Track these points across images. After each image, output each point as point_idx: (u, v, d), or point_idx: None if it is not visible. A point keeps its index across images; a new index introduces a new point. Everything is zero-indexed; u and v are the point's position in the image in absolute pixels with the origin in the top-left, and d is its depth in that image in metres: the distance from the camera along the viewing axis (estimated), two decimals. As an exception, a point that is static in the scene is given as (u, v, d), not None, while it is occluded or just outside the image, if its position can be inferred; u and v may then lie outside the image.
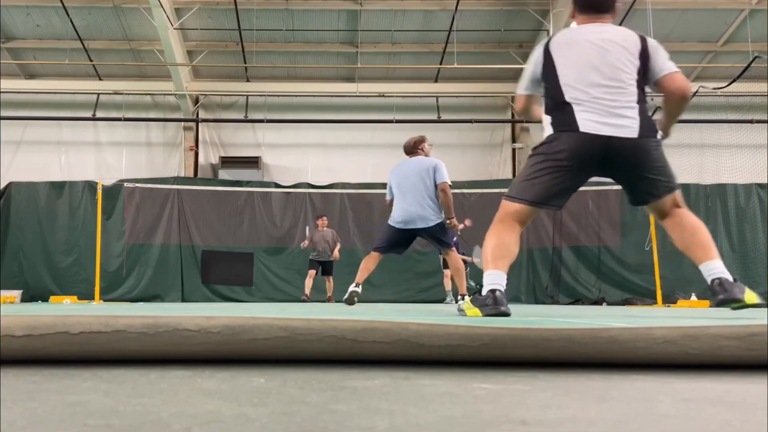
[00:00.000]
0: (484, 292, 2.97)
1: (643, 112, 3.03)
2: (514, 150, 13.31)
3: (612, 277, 12.11)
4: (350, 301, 5.85)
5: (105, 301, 10.37)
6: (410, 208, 5.90)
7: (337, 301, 10.71)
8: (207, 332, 0.87)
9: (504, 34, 12.27)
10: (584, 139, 2.88)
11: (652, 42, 3.21)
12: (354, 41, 12.39)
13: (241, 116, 13.08)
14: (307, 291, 10.79)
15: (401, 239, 6.01)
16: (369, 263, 6.07)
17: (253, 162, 12.82)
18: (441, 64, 12.51)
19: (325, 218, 11.09)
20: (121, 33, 12.02)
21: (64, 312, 2.90)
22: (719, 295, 2.90)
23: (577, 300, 11.95)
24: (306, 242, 10.91)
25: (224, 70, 13.02)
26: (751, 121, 12.21)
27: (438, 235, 5.88)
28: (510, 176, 13.15)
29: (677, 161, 12.53)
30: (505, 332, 0.88)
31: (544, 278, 12.28)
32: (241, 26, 11.76)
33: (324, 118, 13.02)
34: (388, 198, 6.32)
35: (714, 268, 3.01)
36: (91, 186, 11.98)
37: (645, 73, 3.10)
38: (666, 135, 3.34)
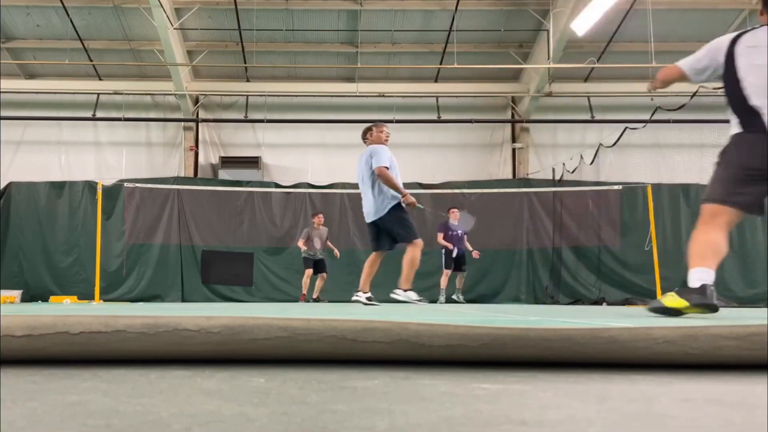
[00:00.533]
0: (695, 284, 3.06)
1: None
2: (514, 150, 13.30)
3: (612, 277, 12.11)
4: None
5: (105, 301, 10.38)
6: (364, 201, 5.89)
7: (329, 301, 10.70)
8: (207, 332, 0.87)
9: (504, 34, 12.26)
10: None
11: None
12: (354, 41, 12.39)
13: (241, 116, 13.08)
14: (305, 290, 10.78)
15: (377, 232, 5.93)
16: (371, 265, 6.10)
17: (253, 162, 12.81)
18: (441, 64, 12.51)
19: (321, 216, 11.04)
20: (121, 33, 12.02)
21: (64, 312, 2.90)
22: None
23: (577, 300, 11.95)
24: (302, 241, 10.84)
25: (224, 70, 13.01)
26: (751, 121, 12.20)
27: (390, 227, 5.68)
28: (510, 176, 13.14)
29: (677, 161, 12.56)
30: (505, 332, 0.88)
31: (544, 278, 12.28)
32: (241, 26, 11.75)
33: (324, 118, 13.01)
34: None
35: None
36: (91, 186, 11.97)
37: None
38: None
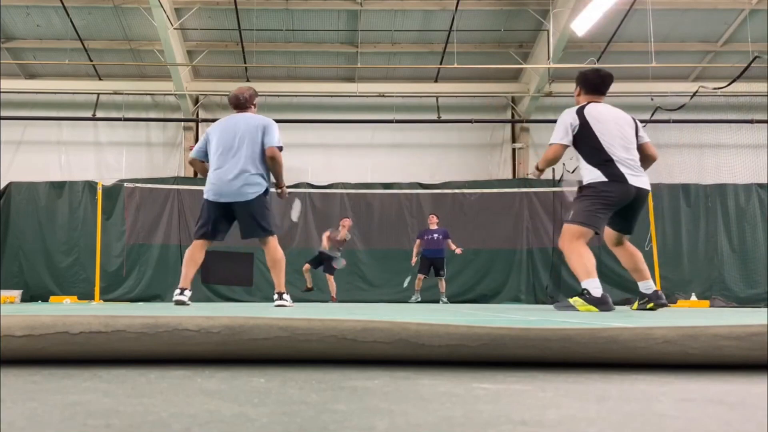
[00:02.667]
0: (596, 294, 4.14)
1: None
2: (514, 150, 13.31)
3: (612, 277, 12.09)
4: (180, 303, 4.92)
5: (105, 301, 10.38)
6: (227, 177, 4.84)
7: (320, 301, 10.72)
8: (207, 332, 0.87)
9: (504, 34, 12.26)
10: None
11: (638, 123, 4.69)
12: (354, 41, 12.39)
13: (241, 116, 13.07)
14: (309, 283, 10.92)
15: (221, 217, 5.03)
16: (194, 255, 5.15)
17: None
18: (441, 64, 12.51)
19: (348, 220, 11.18)
20: (121, 33, 12.02)
21: (64, 312, 2.90)
22: (660, 300, 4.46)
23: (577, 300, 11.93)
24: (326, 242, 10.87)
25: (224, 70, 13.01)
26: (751, 121, 12.21)
27: (256, 215, 4.91)
28: (510, 176, 13.15)
29: (677, 161, 12.55)
30: (505, 332, 0.88)
31: (544, 278, 12.28)
32: (241, 26, 11.75)
33: (324, 118, 13.02)
34: (192, 156, 5.21)
35: (651, 284, 4.56)
36: (91, 186, 11.98)
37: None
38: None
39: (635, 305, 4.67)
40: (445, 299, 11.07)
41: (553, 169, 12.76)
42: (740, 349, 0.86)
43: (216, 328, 0.87)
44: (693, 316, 3.47)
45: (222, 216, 5.12)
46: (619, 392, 0.71)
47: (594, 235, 4.49)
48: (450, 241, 10.96)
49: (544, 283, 12.27)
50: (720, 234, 12.21)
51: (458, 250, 10.84)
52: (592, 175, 4.34)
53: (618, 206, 4.35)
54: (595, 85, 4.53)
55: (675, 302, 10.03)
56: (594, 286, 4.18)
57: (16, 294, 11.27)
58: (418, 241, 11.08)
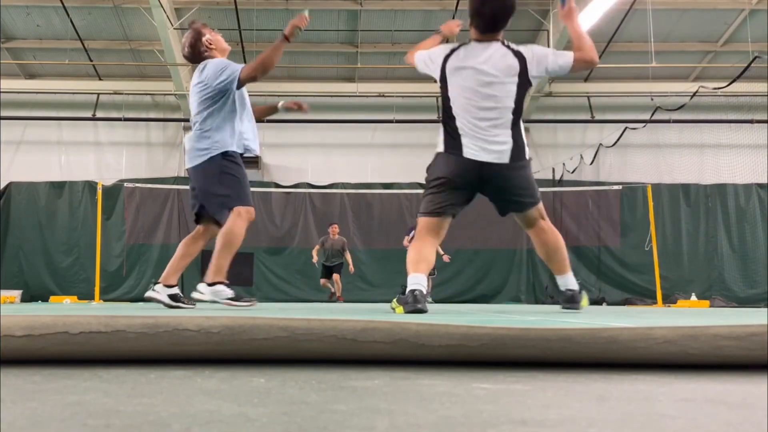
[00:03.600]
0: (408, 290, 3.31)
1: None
2: (514, 150, 13.30)
3: (612, 277, 12.11)
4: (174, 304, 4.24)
5: (105, 301, 10.37)
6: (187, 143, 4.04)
7: (345, 301, 10.76)
8: (207, 332, 0.87)
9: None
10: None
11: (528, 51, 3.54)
12: (354, 41, 12.39)
13: (241, 116, 13.08)
14: (332, 288, 11.08)
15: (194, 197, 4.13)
16: (191, 248, 4.46)
17: (253, 162, 12.80)
18: (441, 64, 12.51)
19: (336, 226, 11.23)
20: (121, 33, 12.02)
21: (64, 312, 2.90)
22: (570, 303, 3.72)
23: (577, 300, 11.93)
24: (316, 248, 11.11)
25: (224, 70, 13.01)
26: (751, 121, 12.21)
27: (206, 184, 3.91)
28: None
29: (677, 161, 12.56)
30: (504, 332, 0.88)
31: (544, 278, 12.28)
32: (241, 26, 11.75)
33: (324, 118, 13.02)
34: None
35: (569, 280, 3.73)
36: (91, 186, 11.98)
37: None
38: None
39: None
40: (430, 299, 10.86)
41: (553, 169, 12.76)
42: (740, 349, 0.86)
43: (216, 328, 0.87)
44: (693, 316, 3.47)
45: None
46: (619, 392, 0.71)
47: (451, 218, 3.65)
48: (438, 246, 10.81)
49: (544, 283, 12.27)
50: (720, 234, 12.22)
51: (446, 258, 10.57)
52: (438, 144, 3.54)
53: (456, 186, 3.54)
54: (476, 12, 3.42)
55: (675, 302, 10.03)
56: (412, 282, 3.34)
57: (16, 294, 11.27)
58: (407, 237, 10.64)
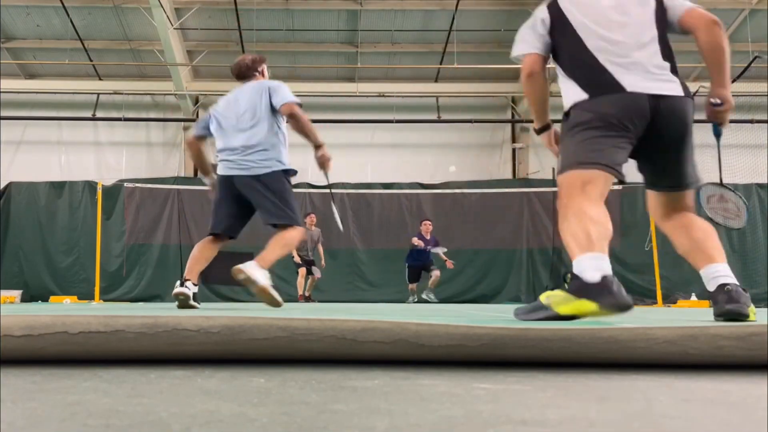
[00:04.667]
0: (589, 278, 2.21)
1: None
2: (514, 150, 13.30)
3: (612, 277, 12.10)
4: (183, 305, 4.15)
5: (105, 301, 10.38)
6: (231, 148, 4.17)
7: (320, 301, 10.68)
8: (206, 332, 0.87)
9: (504, 34, 12.26)
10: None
11: None
12: (354, 41, 12.39)
13: (241, 116, 13.08)
14: (301, 291, 10.72)
15: (234, 201, 4.27)
16: (205, 252, 4.45)
17: (253, 162, 12.81)
18: (441, 64, 12.51)
19: (313, 216, 10.91)
20: (121, 33, 12.02)
21: (63, 312, 2.90)
22: (731, 304, 2.46)
23: (577, 300, 11.93)
24: (295, 251, 10.76)
25: (224, 70, 12.99)
26: (751, 121, 12.21)
27: (266, 193, 4.09)
28: (510, 176, 13.15)
29: (677, 161, 12.55)
30: (504, 332, 0.88)
31: (544, 278, 12.28)
32: (241, 26, 11.75)
33: (324, 118, 13.01)
34: (194, 133, 4.50)
35: (719, 269, 2.61)
36: (91, 186, 11.98)
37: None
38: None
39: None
40: (432, 295, 10.57)
41: (553, 169, 12.77)
42: (740, 349, 0.86)
43: (216, 328, 0.87)
44: (693, 316, 3.47)
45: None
46: (619, 392, 0.71)
47: (615, 180, 2.57)
48: (440, 249, 10.62)
49: (544, 283, 12.27)
50: (720, 234, 12.15)
51: (449, 264, 10.44)
52: (569, 93, 2.75)
53: (625, 131, 2.51)
54: None
55: (675, 302, 10.03)
56: (589, 266, 2.20)
57: (16, 294, 11.27)
58: (416, 239, 10.56)
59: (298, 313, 3.66)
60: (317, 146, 4.48)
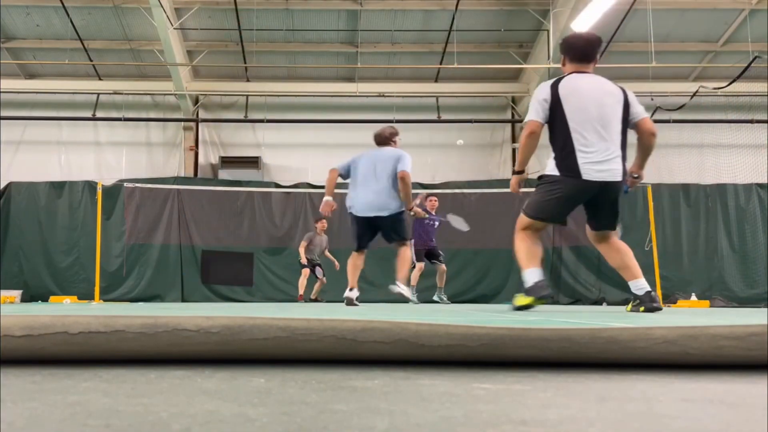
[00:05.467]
0: (530, 283, 4.02)
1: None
2: (514, 150, 13.30)
3: (612, 277, 12.09)
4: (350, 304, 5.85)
5: (105, 301, 10.38)
6: (367, 195, 6.04)
7: (328, 301, 10.69)
8: (206, 332, 0.87)
9: (504, 34, 12.26)
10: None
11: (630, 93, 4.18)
12: (354, 41, 12.39)
13: (241, 116, 13.08)
14: (302, 291, 10.74)
15: (367, 229, 6.16)
16: (357, 262, 6.33)
17: (253, 162, 12.81)
18: (441, 64, 12.51)
19: (324, 222, 10.89)
20: (121, 33, 12.02)
21: (63, 312, 2.90)
22: (652, 303, 3.98)
23: (577, 300, 11.95)
24: (304, 245, 10.76)
25: (224, 70, 13.01)
26: (751, 121, 12.21)
27: (392, 225, 6.03)
28: (510, 176, 13.14)
29: (677, 161, 12.55)
30: (504, 332, 0.88)
31: (544, 278, 12.27)
32: (241, 26, 11.75)
33: (324, 118, 13.01)
34: (336, 167, 6.46)
35: (642, 283, 4.06)
36: (91, 186, 11.97)
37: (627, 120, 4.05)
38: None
39: (629, 307, 4.27)
40: (443, 296, 10.16)
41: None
42: (740, 349, 0.86)
43: (215, 328, 0.87)
44: (693, 316, 3.47)
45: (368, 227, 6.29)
46: (619, 392, 0.71)
47: (558, 225, 4.38)
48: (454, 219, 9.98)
49: (544, 283, 12.26)
50: (720, 234, 12.21)
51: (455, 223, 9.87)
52: (549, 165, 3.98)
53: (574, 201, 3.98)
54: (579, 50, 3.93)
55: (675, 302, 10.03)
56: (529, 277, 4.02)
57: (16, 294, 11.27)
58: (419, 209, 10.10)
59: (298, 313, 3.67)
60: (409, 208, 6.19)
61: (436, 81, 13.27)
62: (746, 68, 9.66)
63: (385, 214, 5.98)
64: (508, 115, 13.49)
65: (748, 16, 11.40)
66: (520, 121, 13.18)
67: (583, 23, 10.15)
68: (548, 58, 11.58)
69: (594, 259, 12.10)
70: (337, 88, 13.05)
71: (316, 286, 10.89)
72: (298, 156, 13.16)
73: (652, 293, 4.01)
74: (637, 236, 11.46)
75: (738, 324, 0.89)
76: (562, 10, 10.98)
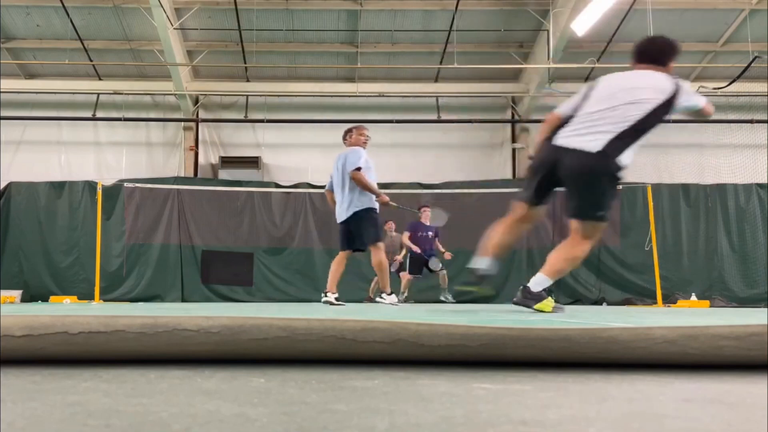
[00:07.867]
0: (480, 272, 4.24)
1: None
2: (514, 150, 13.30)
3: (612, 277, 12.11)
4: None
5: (105, 301, 10.37)
6: (339, 200, 6.02)
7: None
8: (206, 332, 0.87)
9: (504, 34, 12.26)
10: None
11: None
12: (354, 41, 12.39)
13: (241, 116, 13.08)
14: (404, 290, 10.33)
15: (347, 232, 5.98)
16: (339, 265, 6.10)
17: (253, 162, 12.81)
18: (441, 64, 12.51)
19: (392, 222, 10.64)
20: (121, 33, 12.02)
21: (63, 312, 2.90)
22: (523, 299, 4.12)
23: (577, 300, 11.95)
24: (408, 235, 10.27)
25: (224, 70, 13.01)
26: (751, 121, 12.21)
27: (356, 228, 5.80)
28: (510, 176, 13.15)
29: (677, 161, 12.55)
30: (504, 332, 0.88)
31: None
32: (241, 26, 11.75)
33: (324, 118, 13.01)
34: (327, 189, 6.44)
35: (540, 279, 4.08)
36: (91, 186, 11.97)
37: None
38: None
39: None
40: (449, 295, 10.20)
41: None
42: (740, 349, 0.86)
43: (215, 328, 0.87)
44: (693, 316, 3.47)
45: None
46: (619, 392, 0.71)
47: (535, 206, 4.34)
48: (438, 240, 10.25)
49: (544, 283, 12.26)
50: (720, 234, 12.21)
51: (447, 255, 10.12)
52: None
53: (538, 167, 4.00)
54: (640, 50, 4.03)
55: (675, 302, 10.03)
56: (480, 263, 4.20)
57: (16, 294, 11.27)
58: (408, 234, 10.15)
59: (297, 313, 3.66)
60: (377, 195, 6.01)
61: (436, 81, 13.26)
62: (746, 68, 9.66)
63: (346, 217, 5.90)
64: (508, 115, 13.49)
65: (748, 16, 11.40)
66: (521, 121, 13.18)
67: (583, 23, 10.15)
68: (548, 58, 11.58)
69: (594, 259, 12.11)
70: (337, 88, 13.05)
71: (373, 284, 10.58)
72: (298, 156, 13.16)
73: (526, 286, 4.10)
74: (637, 236, 11.47)
75: (738, 324, 0.89)
76: (562, 10, 10.98)
